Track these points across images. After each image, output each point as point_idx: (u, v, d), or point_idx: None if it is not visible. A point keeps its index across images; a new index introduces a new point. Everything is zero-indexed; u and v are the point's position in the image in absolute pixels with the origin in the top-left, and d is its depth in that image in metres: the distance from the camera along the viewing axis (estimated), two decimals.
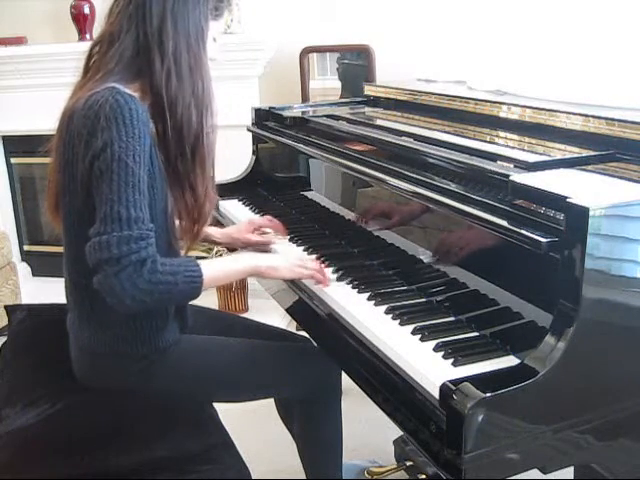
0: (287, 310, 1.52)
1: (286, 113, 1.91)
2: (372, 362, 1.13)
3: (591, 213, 0.89)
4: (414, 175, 1.29)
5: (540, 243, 0.95)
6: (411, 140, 1.46)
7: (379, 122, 1.79)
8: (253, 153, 2.07)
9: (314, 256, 1.48)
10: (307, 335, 1.54)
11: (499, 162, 1.22)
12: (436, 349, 1.07)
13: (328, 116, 1.84)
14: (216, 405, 1.45)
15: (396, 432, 1.87)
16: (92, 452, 1.25)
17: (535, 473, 0.99)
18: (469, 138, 1.45)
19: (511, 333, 1.07)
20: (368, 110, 1.99)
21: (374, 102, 2.06)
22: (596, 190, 1.01)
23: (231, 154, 2.08)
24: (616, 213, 0.92)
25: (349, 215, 1.57)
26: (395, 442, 1.91)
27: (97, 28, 3.07)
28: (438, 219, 1.25)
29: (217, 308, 2.95)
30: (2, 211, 3.41)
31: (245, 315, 2.86)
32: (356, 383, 1.17)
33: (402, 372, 1.06)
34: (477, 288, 1.14)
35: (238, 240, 1.64)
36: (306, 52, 2.81)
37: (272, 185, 2.00)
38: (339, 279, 1.38)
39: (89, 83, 1.24)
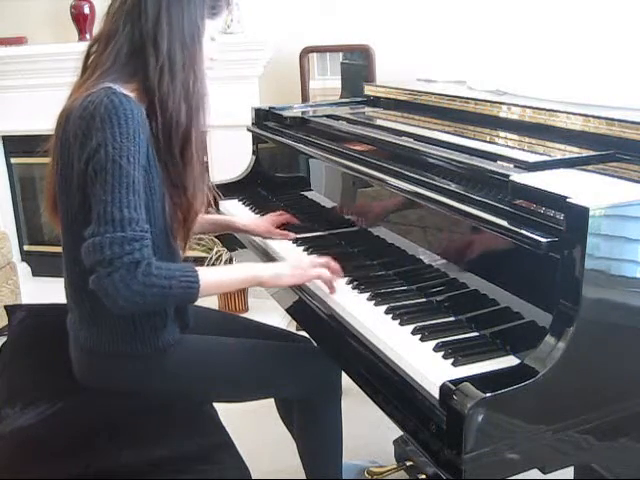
0: (287, 310, 1.51)
1: (286, 113, 1.91)
2: (372, 362, 1.13)
3: (591, 213, 0.89)
4: (414, 175, 1.29)
5: (540, 243, 0.95)
6: (411, 140, 1.46)
7: (379, 122, 1.79)
8: (253, 153, 2.07)
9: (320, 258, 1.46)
10: (307, 335, 1.54)
11: (499, 162, 1.22)
12: (436, 349, 1.07)
13: (328, 116, 1.84)
14: (216, 405, 1.45)
15: (396, 432, 1.87)
16: (92, 452, 1.25)
17: (535, 473, 0.99)
18: (469, 138, 1.45)
19: (511, 333, 1.07)
20: (368, 110, 1.99)
21: (374, 102, 2.05)
22: (596, 190, 1.01)
23: (231, 154, 2.08)
24: (616, 213, 0.92)
25: (349, 215, 1.57)
26: (395, 442, 1.91)
27: (97, 28, 3.08)
28: (438, 219, 1.25)
29: (217, 308, 2.95)
30: (2, 211, 3.41)
31: (245, 315, 2.86)
32: (356, 383, 1.17)
33: (402, 372, 1.06)
34: (477, 288, 1.14)
35: (261, 227, 1.67)
36: (306, 52, 2.81)
37: (272, 185, 2.00)
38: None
39: (86, 83, 1.24)
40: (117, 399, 1.32)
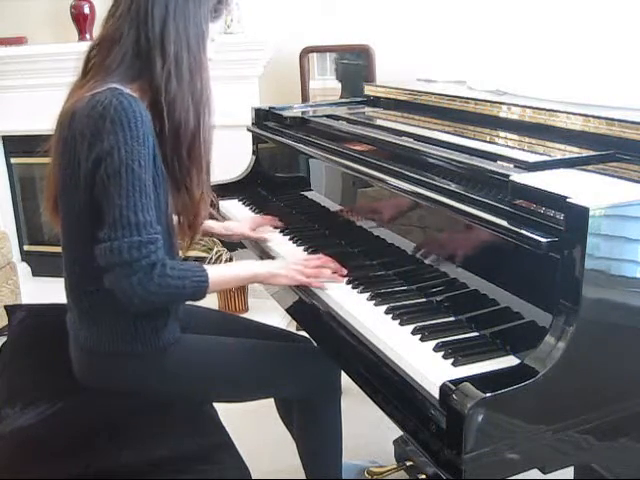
0: (287, 310, 1.51)
1: (286, 113, 1.91)
2: (372, 362, 1.13)
3: (591, 213, 0.89)
4: (414, 175, 1.29)
5: (540, 243, 0.95)
6: (411, 140, 1.46)
7: (379, 122, 1.79)
8: (253, 153, 2.07)
9: (317, 256, 1.46)
10: (307, 335, 1.54)
11: (499, 162, 1.22)
12: (436, 349, 1.07)
13: (328, 116, 1.84)
14: (216, 405, 1.45)
15: (396, 432, 1.87)
16: (92, 452, 1.25)
17: (535, 473, 0.99)
18: (469, 138, 1.45)
19: (511, 333, 1.07)
20: (368, 110, 1.99)
21: (374, 102, 2.06)
22: (596, 190, 1.01)
23: (231, 154, 2.08)
24: (616, 213, 0.92)
25: (349, 215, 1.57)
26: (395, 442, 1.91)
27: (97, 28, 3.08)
28: (438, 219, 1.25)
29: (217, 308, 2.95)
30: (2, 211, 3.41)
31: (245, 315, 2.86)
32: (356, 383, 1.17)
33: (402, 372, 1.06)
34: (477, 288, 1.14)
35: (235, 234, 1.70)
36: (306, 52, 2.81)
37: (272, 185, 2.00)
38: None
39: (89, 83, 1.25)
40: (117, 399, 1.32)
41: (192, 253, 2.85)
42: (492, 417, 0.89)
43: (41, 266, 3.50)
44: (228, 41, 2.74)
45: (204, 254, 2.91)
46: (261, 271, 1.36)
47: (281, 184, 1.98)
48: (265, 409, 1.68)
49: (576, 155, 1.24)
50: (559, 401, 0.94)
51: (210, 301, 2.90)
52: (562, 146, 1.31)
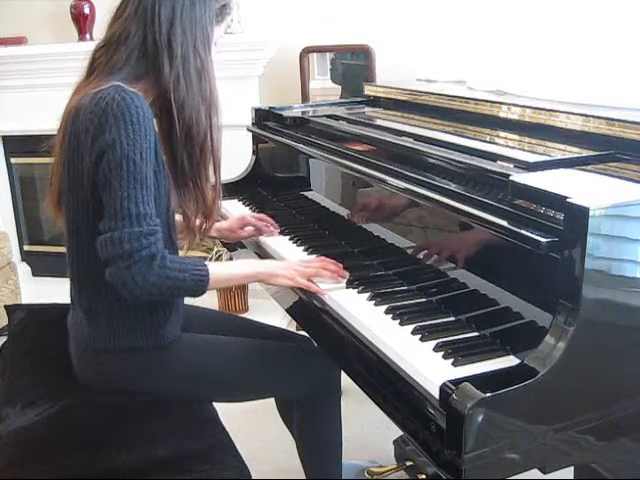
0: (287, 310, 1.51)
1: (286, 113, 1.91)
2: (372, 362, 1.13)
3: (591, 213, 0.89)
4: (414, 175, 1.29)
5: (540, 243, 0.95)
6: (411, 140, 1.46)
7: (379, 122, 1.79)
8: (253, 153, 2.07)
9: (319, 259, 1.44)
10: (307, 335, 1.54)
11: (499, 162, 1.22)
12: (436, 349, 1.07)
13: (328, 116, 1.84)
14: (216, 405, 1.45)
15: (396, 432, 1.87)
16: (92, 452, 1.25)
17: (535, 473, 0.99)
18: (469, 138, 1.45)
19: (511, 333, 1.07)
20: (368, 110, 1.99)
21: (374, 102, 2.06)
22: (596, 190, 1.01)
23: (231, 154, 2.08)
24: (616, 213, 0.92)
25: (349, 215, 1.57)
26: (395, 442, 1.91)
27: (97, 28, 3.08)
28: (438, 219, 1.25)
29: (217, 308, 2.95)
30: (2, 211, 3.41)
31: (245, 315, 2.86)
32: (356, 383, 1.17)
33: (402, 372, 1.06)
34: (477, 288, 1.14)
35: (229, 236, 1.71)
36: (306, 52, 2.81)
37: (272, 185, 2.00)
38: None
39: (93, 82, 1.26)
40: (117, 399, 1.32)
41: (192, 253, 2.85)
42: (492, 417, 0.89)
43: (41, 266, 3.50)
44: (228, 41, 2.74)
45: (204, 254, 2.91)
46: (262, 270, 1.36)
47: (281, 184, 1.98)
48: (265, 409, 1.68)
49: (576, 155, 1.24)
50: (559, 401, 0.94)
51: (210, 301, 2.91)
52: (562, 146, 1.31)
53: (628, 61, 1.57)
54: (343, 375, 1.37)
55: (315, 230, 1.71)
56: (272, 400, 1.63)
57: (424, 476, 1.72)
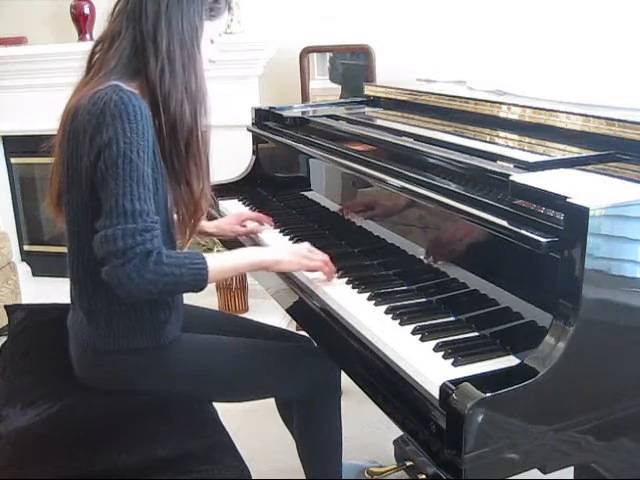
0: (287, 310, 1.52)
1: (286, 113, 1.91)
2: (372, 362, 1.13)
3: (591, 213, 0.89)
4: (414, 175, 1.29)
5: (540, 243, 0.95)
6: (411, 140, 1.46)
7: (379, 122, 1.79)
8: (253, 153, 2.07)
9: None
10: (307, 335, 1.54)
11: (499, 162, 1.22)
12: (436, 349, 1.07)
13: (328, 116, 1.84)
14: (216, 405, 1.45)
15: (396, 432, 1.87)
16: (92, 452, 1.25)
17: (535, 473, 0.99)
18: (469, 138, 1.45)
19: (511, 333, 1.07)
20: (368, 110, 1.99)
21: (374, 102, 2.05)
22: (596, 190, 1.01)
23: (231, 154, 2.08)
24: (616, 213, 0.92)
25: (349, 215, 1.57)
26: (395, 442, 1.91)
27: (97, 28, 3.08)
28: (438, 219, 1.25)
29: (217, 308, 2.95)
30: (2, 211, 3.41)
31: (245, 315, 2.86)
32: (356, 383, 1.17)
33: (402, 372, 1.06)
34: (477, 288, 1.14)
35: (227, 232, 1.71)
36: (306, 52, 2.81)
37: (272, 185, 2.00)
38: (339, 278, 1.38)
39: (92, 81, 1.26)
40: (117, 399, 1.32)
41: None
42: (492, 417, 0.89)
43: (41, 266, 3.50)
44: (228, 41, 2.74)
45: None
46: (267, 258, 1.34)
47: (281, 184, 1.98)
48: (265, 409, 1.68)
49: (576, 155, 1.24)
50: (559, 401, 0.94)
51: (210, 301, 2.91)
52: (562, 146, 1.31)
53: (628, 61, 1.57)
54: (343, 375, 1.37)
55: (315, 230, 1.71)
56: (272, 400, 1.63)
57: (424, 476, 1.72)
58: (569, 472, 1.18)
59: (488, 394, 0.88)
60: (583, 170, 1.13)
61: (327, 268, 1.35)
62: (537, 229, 0.97)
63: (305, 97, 2.85)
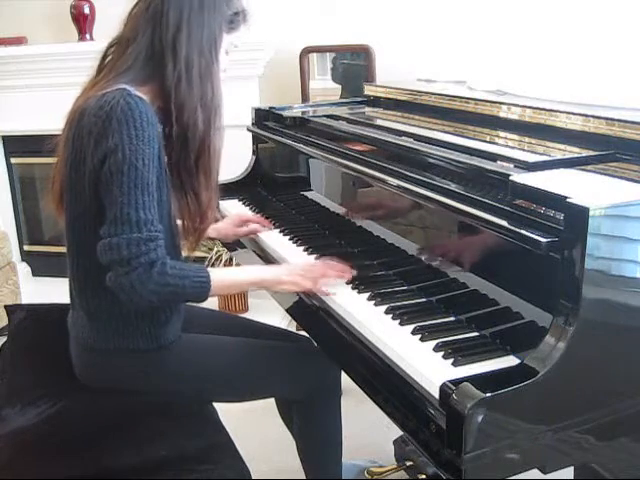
0: (287, 310, 1.51)
1: (286, 113, 1.91)
2: (372, 362, 1.13)
3: (591, 213, 0.89)
4: (414, 175, 1.29)
5: (540, 243, 0.95)
6: (411, 140, 1.46)
7: (379, 122, 1.79)
8: (253, 153, 2.07)
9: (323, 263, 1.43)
10: (307, 335, 1.54)
11: (499, 162, 1.22)
12: (436, 349, 1.07)
13: (328, 116, 1.84)
14: (216, 405, 1.45)
15: (396, 432, 1.86)
16: (92, 452, 1.25)
17: (535, 473, 0.99)
18: (469, 138, 1.45)
19: (511, 333, 1.07)
20: (368, 110, 1.99)
21: (374, 102, 2.05)
22: (596, 190, 1.01)
23: (231, 154, 2.08)
24: (616, 213, 0.92)
25: (349, 215, 1.57)
26: (395, 442, 1.91)
27: (97, 28, 3.08)
28: (438, 219, 1.25)
29: (217, 308, 2.95)
30: (2, 211, 3.41)
31: (245, 315, 2.86)
32: (356, 383, 1.17)
33: (402, 372, 1.06)
34: (477, 288, 1.14)
35: (228, 234, 1.71)
36: (306, 52, 2.81)
37: (272, 185, 2.00)
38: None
39: (100, 82, 1.26)
40: (117, 399, 1.32)
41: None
42: (492, 417, 0.89)
43: (41, 266, 3.50)
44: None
45: (204, 254, 2.91)
46: (268, 277, 1.35)
47: (281, 184, 1.98)
48: (265, 409, 1.68)
49: (576, 155, 1.24)
50: (559, 401, 0.94)
51: (210, 301, 2.88)
52: (562, 146, 1.31)
53: (628, 61, 1.57)
54: (343, 375, 1.37)
55: (315, 230, 1.71)
56: (272, 400, 1.63)
57: (424, 476, 1.72)
58: (569, 472, 1.18)
59: (488, 394, 0.88)
60: (583, 170, 1.13)
61: (324, 290, 1.32)
62: (537, 229, 0.97)
63: (305, 97, 2.85)
